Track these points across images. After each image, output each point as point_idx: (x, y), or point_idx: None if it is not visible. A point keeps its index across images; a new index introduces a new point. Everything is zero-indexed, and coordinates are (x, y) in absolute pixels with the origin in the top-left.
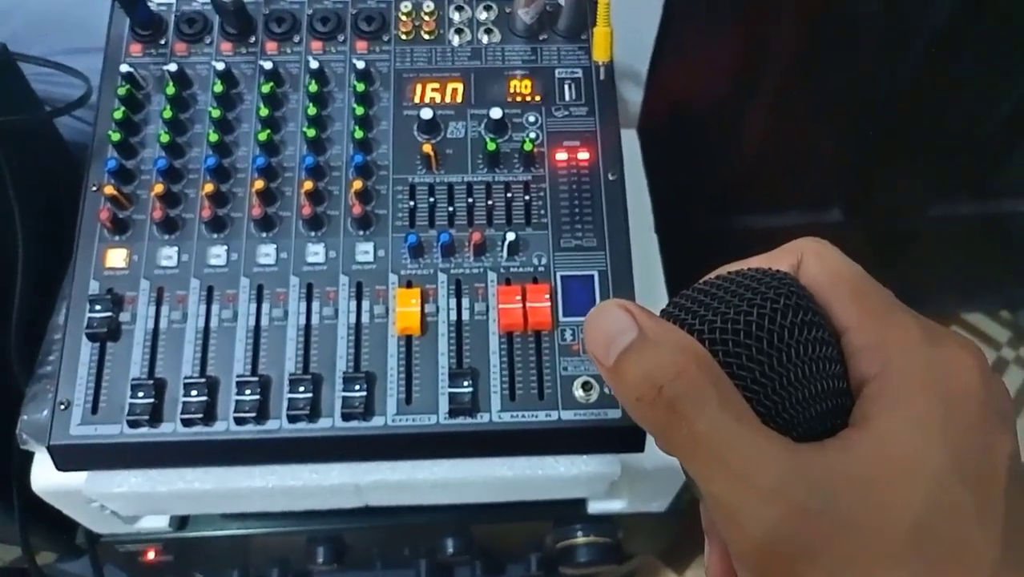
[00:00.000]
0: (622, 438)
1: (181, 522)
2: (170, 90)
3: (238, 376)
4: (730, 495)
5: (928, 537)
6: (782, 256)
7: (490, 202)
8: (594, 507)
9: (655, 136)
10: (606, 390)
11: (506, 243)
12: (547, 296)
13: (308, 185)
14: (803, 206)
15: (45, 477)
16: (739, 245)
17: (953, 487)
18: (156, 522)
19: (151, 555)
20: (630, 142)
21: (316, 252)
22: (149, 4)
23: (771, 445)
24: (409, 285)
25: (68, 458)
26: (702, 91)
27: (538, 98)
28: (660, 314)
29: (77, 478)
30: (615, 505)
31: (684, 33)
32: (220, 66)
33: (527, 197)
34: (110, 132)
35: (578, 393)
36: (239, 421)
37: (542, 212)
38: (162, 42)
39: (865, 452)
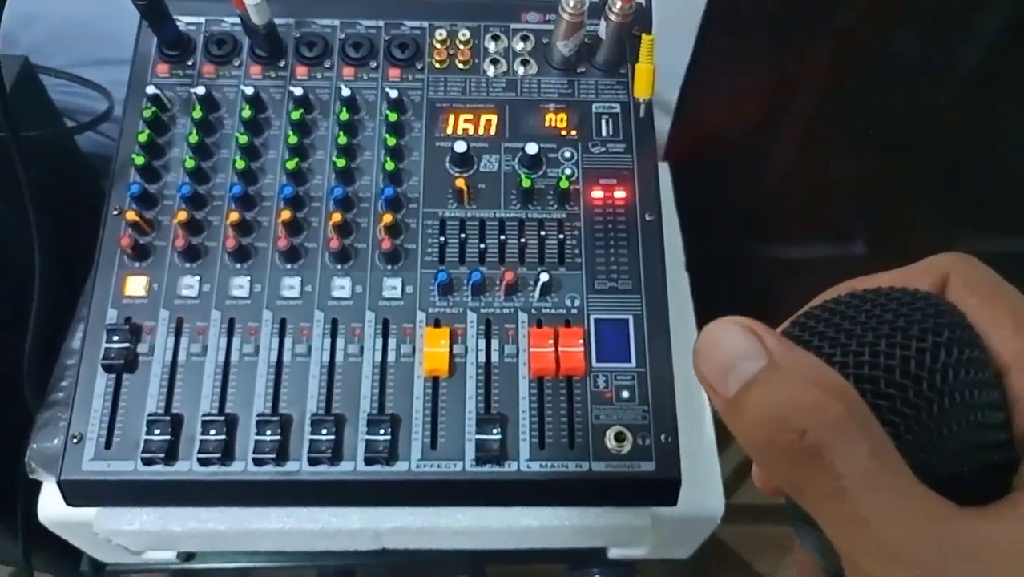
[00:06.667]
0: (655, 491)
1: (188, 554)
2: (196, 113)
3: (258, 414)
4: (879, 567)
5: None
6: (922, 274)
7: (523, 240)
8: (615, 553)
9: (682, 166)
10: (640, 441)
11: (539, 284)
12: (580, 341)
13: (336, 217)
14: (829, 238)
15: (53, 508)
16: (766, 276)
17: None
18: (163, 554)
19: None
20: (661, 175)
21: (342, 286)
22: (178, 23)
23: (930, 510)
24: (437, 324)
25: (79, 494)
26: (732, 122)
27: (574, 132)
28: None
29: (87, 512)
30: (637, 552)
31: (715, 64)
32: (249, 90)
33: (561, 236)
34: (134, 155)
35: (611, 444)
36: (258, 462)
37: (576, 252)
38: (190, 63)
39: None
